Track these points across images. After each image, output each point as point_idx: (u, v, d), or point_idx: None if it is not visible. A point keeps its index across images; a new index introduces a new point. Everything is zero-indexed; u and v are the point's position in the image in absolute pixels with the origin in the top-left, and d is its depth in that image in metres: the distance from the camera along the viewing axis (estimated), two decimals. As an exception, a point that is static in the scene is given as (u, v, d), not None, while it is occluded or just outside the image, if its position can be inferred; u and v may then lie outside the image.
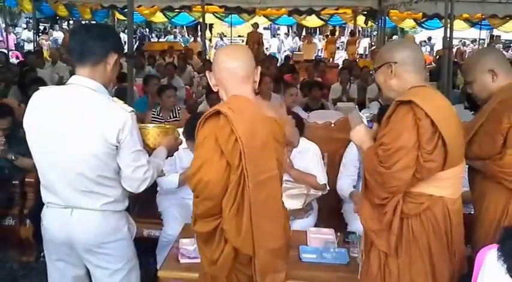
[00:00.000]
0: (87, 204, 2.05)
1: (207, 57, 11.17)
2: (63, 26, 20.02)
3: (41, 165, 2.06)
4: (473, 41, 18.98)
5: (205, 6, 11.94)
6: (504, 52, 8.13)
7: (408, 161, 1.84)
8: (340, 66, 10.36)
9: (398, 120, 1.89)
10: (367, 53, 15.97)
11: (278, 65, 10.26)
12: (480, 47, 15.30)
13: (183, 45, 15.38)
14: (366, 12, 13.37)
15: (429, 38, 18.14)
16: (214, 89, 2.04)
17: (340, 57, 15.38)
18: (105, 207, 2.07)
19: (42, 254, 3.54)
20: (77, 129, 1.97)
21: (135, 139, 2.04)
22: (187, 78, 8.50)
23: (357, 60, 12.61)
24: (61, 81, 7.58)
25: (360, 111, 2.24)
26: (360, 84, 7.45)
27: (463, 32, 15.38)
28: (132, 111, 2.03)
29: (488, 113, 2.26)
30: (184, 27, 19.33)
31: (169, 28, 20.62)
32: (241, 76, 1.96)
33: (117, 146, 1.99)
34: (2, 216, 3.56)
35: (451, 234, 1.96)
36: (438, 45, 15.98)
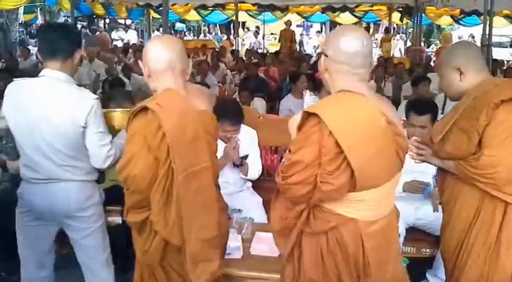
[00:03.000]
0: (66, 176, 2.37)
1: (240, 55, 11.22)
2: (100, 25, 20.51)
3: (23, 146, 2.35)
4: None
5: (239, 4, 11.99)
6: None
7: (305, 177, 1.66)
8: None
9: (304, 131, 1.70)
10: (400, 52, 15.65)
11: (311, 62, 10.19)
12: None
13: (217, 44, 15.48)
14: (401, 9, 13.15)
15: (472, 36, 17.60)
16: (147, 80, 2.07)
17: (374, 54, 15.15)
18: (80, 177, 2.40)
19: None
20: (52, 113, 2.28)
21: (99, 121, 2.36)
22: (220, 76, 8.56)
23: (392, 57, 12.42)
24: (98, 79, 7.75)
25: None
26: (394, 82, 7.34)
27: (502, 29, 14.91)
28: (97, 98, 2.36)
29: (462, 111, 2.13)
30: (217, 25, 19.47)
31: (202, 26, 20.80)
32: (174, 68, 2.00)
33: (84, 127, 2.31)
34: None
35: (363, 259, 1.75)
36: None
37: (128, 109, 2.79)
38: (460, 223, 2.17)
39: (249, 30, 19.96)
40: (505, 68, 9.79)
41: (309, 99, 2.08)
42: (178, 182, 1.94)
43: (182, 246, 2.02)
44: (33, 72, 8.12)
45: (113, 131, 2.54)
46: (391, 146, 1.72)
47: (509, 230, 2.07)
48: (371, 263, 1.75)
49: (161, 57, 1.99)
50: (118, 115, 2.62)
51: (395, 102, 6.18)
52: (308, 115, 1.69)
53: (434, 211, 3.04)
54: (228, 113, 3.19)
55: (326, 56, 1.77)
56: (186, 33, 23.12)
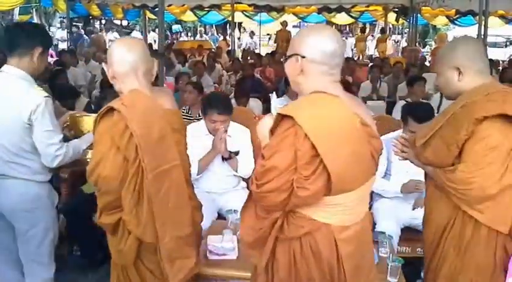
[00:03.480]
0: (12, 174, 2.40)
1: (236, 56, 11.22)
2: (96, 25, 20.46)
3: None
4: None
5: (235, 5, 11.98)
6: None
7: (281, 184, 1.58)
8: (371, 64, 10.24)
9: (278, 135, 1.61)
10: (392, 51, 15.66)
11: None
12: None
13: (213, 44, 15.48)
14: (397, 9, 13.17)
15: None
16: (112, 82, 2.09)
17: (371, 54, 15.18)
18: (26, 176, 2.42)
19: (74, 247, 3.65)
20: (0, 108, 2.33)
21: (47, 120, 2.37)
22: (216, 76, 8.56)
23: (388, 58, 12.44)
24: (94, 80, 7.73)
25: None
26: (390, 82, 7.35)
27: (497, 29, 14.97)
28: (47, 96, 2.38)
29: (449, 117, 2.01)
30: (214, 26, 19.46)
31: (198, 27, 20.79)
32: (138, 69, 2.03)
33: (29, 124, 2.34)
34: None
35: (338, 266, 1.70)
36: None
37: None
38: (432, 226, 2.14)
39: (245, 30, 19.96)
40: (500, 68, 9.82)
41: (276, 101, 2.03)
42: (148, 181, 1.95)
43: (157, 245, 2.03)
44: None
45: (81, 135, 2.65)
46: (366, 148, 1.67)
47: (475, 252, 2.00)
48: (346, 270, 1.70)
49: (125, 59, 2.01)
50: (87, 119, 2.72)
51: (391, 103, 6.20)
52: (282, 117, 1.62)
53: (413, 209, 3.14)
54: (215, 102, 3.29)
55: (302, 57, 1.68)
56: (182, 34, 23.11)
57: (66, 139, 2.58)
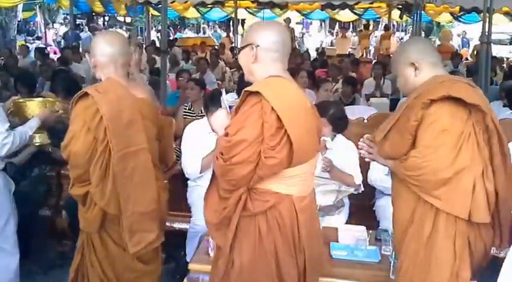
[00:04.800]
0: None
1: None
2: (99, 22, 20.47)
3: None
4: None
5: (238, 2, 11.95)
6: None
7: (248, 155, 1.73)
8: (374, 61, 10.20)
9: (244, 111, 1.78)
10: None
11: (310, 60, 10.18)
12: None
13: (215, 41, 15.46)
14: (400, 6, 13.12)
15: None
16: (93, 70, 2.34)
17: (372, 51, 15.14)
18: None
19: (76, 243, 3.65)
20: None
21: None
22: (219, 73, 8.55)
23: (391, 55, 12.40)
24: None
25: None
26: (394, 79, 7.31)
27: (502, 26, 14.88)
28: None
29: (404, 109, 2.06)
30: (217, 23, 19.44)
31: (202, 23, 20.78)
32: (117, 61, 2.26)
33: None
34: (39, 207, 3.66)
35: (298, 232, 1.87)
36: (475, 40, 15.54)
37: (46, 99, 3.16)
38: (399, 222, 2.11)
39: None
40: (504, 65, 9.77)
41: (227, 96, 2.17)
42: (114, 160, 2.18)
43: (120, 217, 2.26)
44: (32, 69, 8.13)
45: (26, 120, 2.74)
46: (314, 126, 1.91)
47: (437, 242, 1.97)
48: (303, 237, 1.87)
49: (105, 51, 2.25)
50: (30, 104, 2.82)
51: (395, 100, 6.15)
52: (248, 95, 1.79)
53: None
54: (218, 99, 3.23)
55: (257, 46, 1.86)
56: (187, 31, 23.09)
57: (10, 126, 2.70)
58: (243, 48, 1.92)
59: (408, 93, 2.16)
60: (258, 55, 1.87)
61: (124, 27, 21.95)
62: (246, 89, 1.81)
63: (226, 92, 2.22)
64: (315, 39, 19.53)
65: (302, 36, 19.08)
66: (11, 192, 2.78)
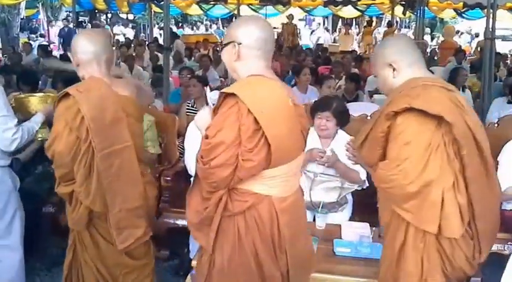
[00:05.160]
0: None
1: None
2: (102, 20, 20.48)
3: None
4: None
5: (241, -2, 11.92)
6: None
7: (226, 158, 1.70)
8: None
9: (222, 113, 1.74)
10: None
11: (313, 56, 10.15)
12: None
13: (218, 38, 15.44)
14: (404, 2, 13.07)
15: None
16: (76, 69, 2.32)
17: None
18: None
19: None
20: None
21: (1, 106, 2.55)
22: (222, 70, 8.53)
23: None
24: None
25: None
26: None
27: (506, 22, 14.81)
28: None
29: (379, 114, 1.96)
30: (219, 20, 19.40)
31: (204, 20, 20.75)
32: (100, 58, 2.26)
33: None
34: (43, 204, 3.67)
35: (279, 234, 1.83)
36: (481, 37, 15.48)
37: (47, 94, 3.13)
38: (384, 231, 2.09)
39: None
40: (508, 61, 9.73)
41: (211, 94, 2.21)
42: (98, 159, 2.19)
43: (107, 214, 2.28)
44: (35, 66, 8.14)
45: (29, 115, 2.76)
46: (297, 126, 1.87)
47: (407, 255, 1.93)
48: (285, 238, 1.85)
49: (87, 49, 2.25)
50: (32, 99, 2.85)
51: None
52: (225, 97, 1.76)
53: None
54: None
55: (239, 44, 1.82)
56: (188, 28, 23.05)
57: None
58: (225, 45, 1.86)
59: (387, 94, 2.07)
60: (240, 53, 1.83)
61: (130, 25, 21.97)
62: (222, 90, 1.79)
63: None
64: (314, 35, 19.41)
65: (312, 33, 18.99)
66: (17, 188, 2.81)
